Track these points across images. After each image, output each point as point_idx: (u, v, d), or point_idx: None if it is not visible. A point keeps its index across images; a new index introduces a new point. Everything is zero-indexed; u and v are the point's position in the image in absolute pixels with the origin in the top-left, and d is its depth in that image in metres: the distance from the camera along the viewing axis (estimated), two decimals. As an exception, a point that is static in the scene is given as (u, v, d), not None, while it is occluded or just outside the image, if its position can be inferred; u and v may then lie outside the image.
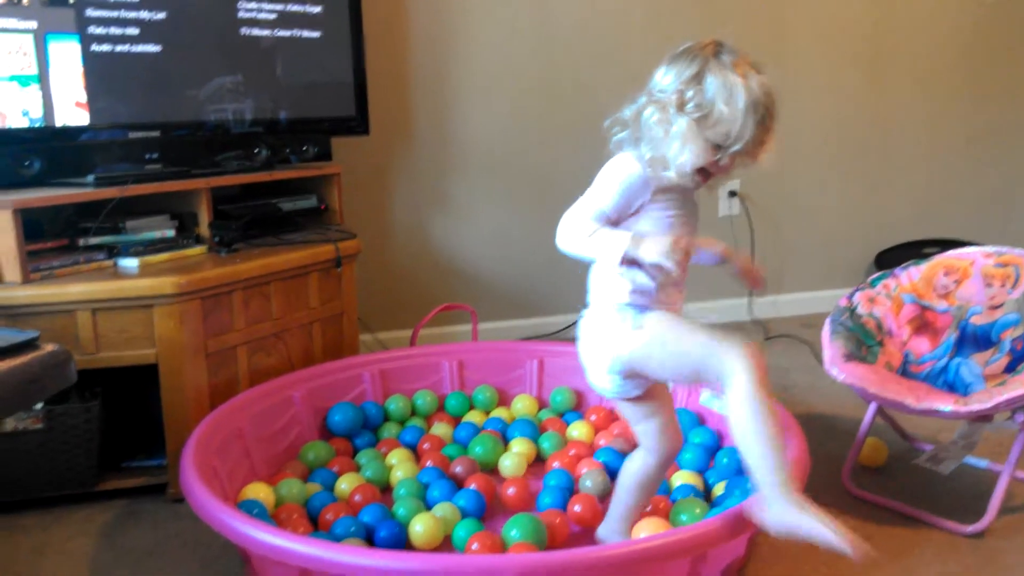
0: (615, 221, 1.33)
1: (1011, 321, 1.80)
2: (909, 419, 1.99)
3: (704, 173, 1.32)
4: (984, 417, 1.64)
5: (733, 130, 1.25)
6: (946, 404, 1.60)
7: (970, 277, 1.88)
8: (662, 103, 1.28)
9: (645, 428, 1.47)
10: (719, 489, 1.71)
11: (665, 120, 1.27)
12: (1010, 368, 1.77)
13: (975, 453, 1.77)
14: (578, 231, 1.30)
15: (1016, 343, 1.78)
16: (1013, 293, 1.81)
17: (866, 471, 1.91)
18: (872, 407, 1.85)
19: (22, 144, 1.93)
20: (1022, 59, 3.31)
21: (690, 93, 1.26)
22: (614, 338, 1.36)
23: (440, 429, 2.05)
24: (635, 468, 1.51)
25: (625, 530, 1.54)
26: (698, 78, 1.26)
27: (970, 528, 1.63)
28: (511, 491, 1.74)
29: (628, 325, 1.35)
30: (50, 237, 1.95)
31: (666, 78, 1.29)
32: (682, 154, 1.27)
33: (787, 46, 3.06)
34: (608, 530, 1.56)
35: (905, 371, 1.86)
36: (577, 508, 1.66)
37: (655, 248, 1.25)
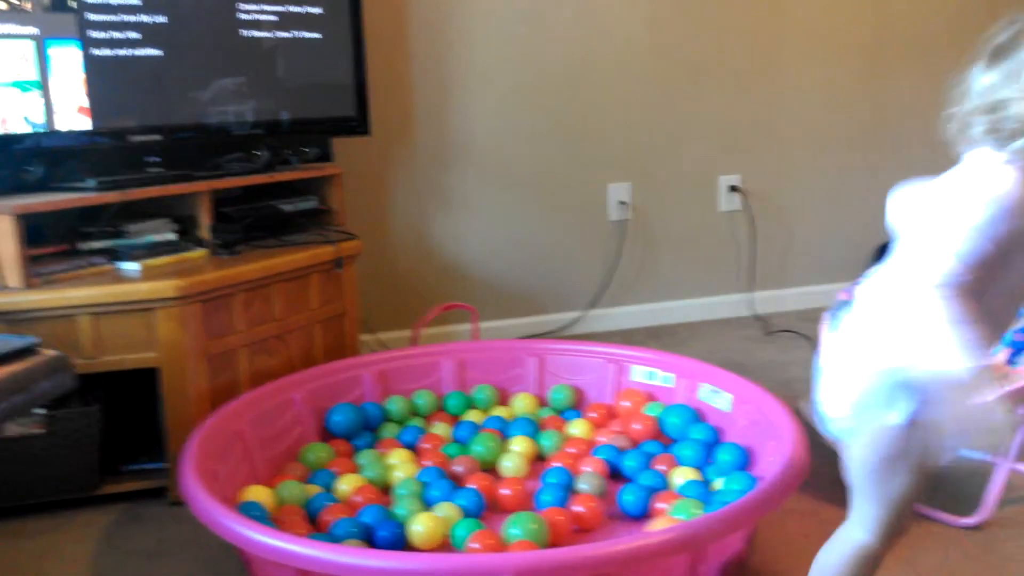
0: (983, 276, 0.97)
1: (1010, 315, 1.79)
2: (909, 414, 1.99)
3: None
4: (983, 410, 1.63)
5: None
6: (944, 398, 1.60)
7: (968, 271, 1.88)
8: None
9: None
10: (717, 485, 1.71)
11: None
12: (1010, 361, 1.77)
13: (975, 446, 1.78)
14: (934, 304, 0.95)
15: (1016, 336, 1.78)
16: (1011, 287, 1.81)
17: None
18: (871, 402, 1.85)
19: (23, 149, 1.94)
20: None
21: None
22: (858, 406, 1.10)
23: (440, 428, 2.05)
24: None
25: None
26: None
27: (969, 520, 1.64)
28: (510, 490, 1.75)
29: (889, 411, 1.06)
30: (51, 242, 1.95)
31: None
32: None
33: (786, 37, 3.06)
34: None
35: (904, 366, 1.86)
36: (579, 508, 1.66)
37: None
